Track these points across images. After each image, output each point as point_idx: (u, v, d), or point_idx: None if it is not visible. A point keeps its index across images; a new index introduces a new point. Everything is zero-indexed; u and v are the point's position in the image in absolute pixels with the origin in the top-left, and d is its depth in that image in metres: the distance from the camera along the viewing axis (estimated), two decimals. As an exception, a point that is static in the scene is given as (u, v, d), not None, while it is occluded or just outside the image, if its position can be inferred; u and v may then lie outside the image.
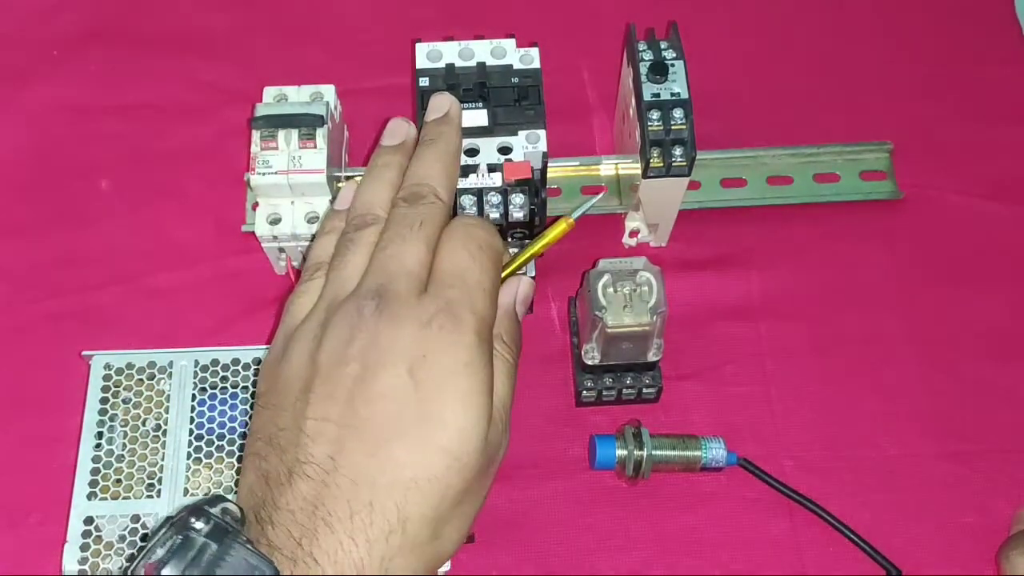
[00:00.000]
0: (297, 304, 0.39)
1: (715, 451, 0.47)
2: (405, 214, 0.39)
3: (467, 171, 0.44)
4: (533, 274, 0.46)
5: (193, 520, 0.31)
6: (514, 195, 0.44)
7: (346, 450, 0.34)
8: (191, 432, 0.44)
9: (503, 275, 0.40)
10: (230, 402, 0.45)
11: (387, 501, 0.34)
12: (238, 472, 0.43)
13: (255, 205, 0.49)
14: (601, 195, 0.43)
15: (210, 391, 0.45)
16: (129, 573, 0.32)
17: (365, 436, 0.34)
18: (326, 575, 0.32)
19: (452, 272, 0.38)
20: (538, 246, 0.42)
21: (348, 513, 0.33)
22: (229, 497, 0.34)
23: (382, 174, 0.41)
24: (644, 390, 0.48)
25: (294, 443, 0.35)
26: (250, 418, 0.40)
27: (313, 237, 0.46)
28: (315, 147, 0.47)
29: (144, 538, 0.42)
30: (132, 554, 0.42)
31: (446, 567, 0.42)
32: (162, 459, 0.44)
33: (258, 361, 0.46)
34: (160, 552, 0.31)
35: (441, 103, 0.43)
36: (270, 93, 0.49)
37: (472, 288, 0.37)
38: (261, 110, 0.47)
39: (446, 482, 0.34)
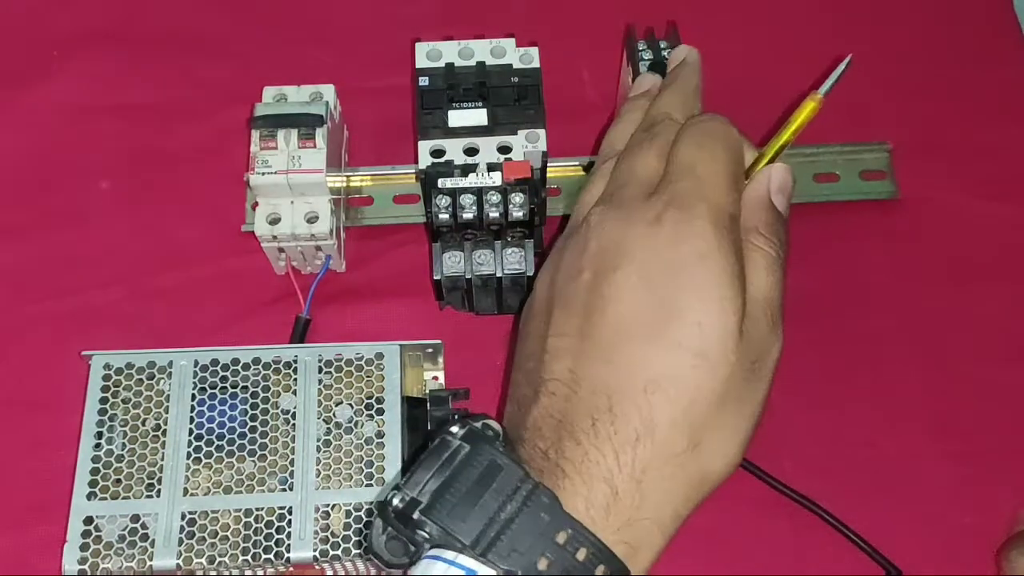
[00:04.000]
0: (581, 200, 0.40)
1: (715, 451, 0.47)
2: (640, 137, 0.39)
3: (467, 170, 0.44)
4: None
5: (450, 426, 0.32)
6: (514, 194, 0.44)
7: (584, 360, 0.33)
8: (191, 432, 0.44)
9: (757, 168, 0.38)
10: (230, 402, 0.45)
11: (627, 405, 0.32)
12: (238, 472, 0.43)
13: (255, 205, 0.49)
14: (847, 60, 0.38)
15: (210, 391, 0.45)
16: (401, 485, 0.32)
17: (600, 343, 0.33)
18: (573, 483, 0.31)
19: (681, 165, 0.36)
20: (789, 131, 0.38)
21: (590, 423, 0.32)
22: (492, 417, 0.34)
23: (629, 117, 0.42)
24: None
25: (538, 363, 0.34)
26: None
27: (313, 236, 0.46)
28: (314, 147, 0.47)
29: (144, 538, 0.42)
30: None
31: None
32: (162, 459, 0.43)
33: (258, 361, 0.45)
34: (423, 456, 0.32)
35: (678, 53, 0.44)
36: (270, 93, 0.49)
37: (702, 177, 0.35)
38: (261, 110, 0.47)
39: (694, 383, 0.32)
